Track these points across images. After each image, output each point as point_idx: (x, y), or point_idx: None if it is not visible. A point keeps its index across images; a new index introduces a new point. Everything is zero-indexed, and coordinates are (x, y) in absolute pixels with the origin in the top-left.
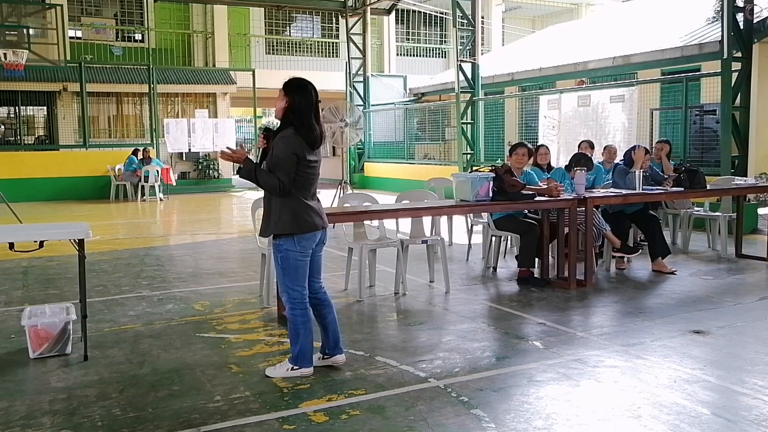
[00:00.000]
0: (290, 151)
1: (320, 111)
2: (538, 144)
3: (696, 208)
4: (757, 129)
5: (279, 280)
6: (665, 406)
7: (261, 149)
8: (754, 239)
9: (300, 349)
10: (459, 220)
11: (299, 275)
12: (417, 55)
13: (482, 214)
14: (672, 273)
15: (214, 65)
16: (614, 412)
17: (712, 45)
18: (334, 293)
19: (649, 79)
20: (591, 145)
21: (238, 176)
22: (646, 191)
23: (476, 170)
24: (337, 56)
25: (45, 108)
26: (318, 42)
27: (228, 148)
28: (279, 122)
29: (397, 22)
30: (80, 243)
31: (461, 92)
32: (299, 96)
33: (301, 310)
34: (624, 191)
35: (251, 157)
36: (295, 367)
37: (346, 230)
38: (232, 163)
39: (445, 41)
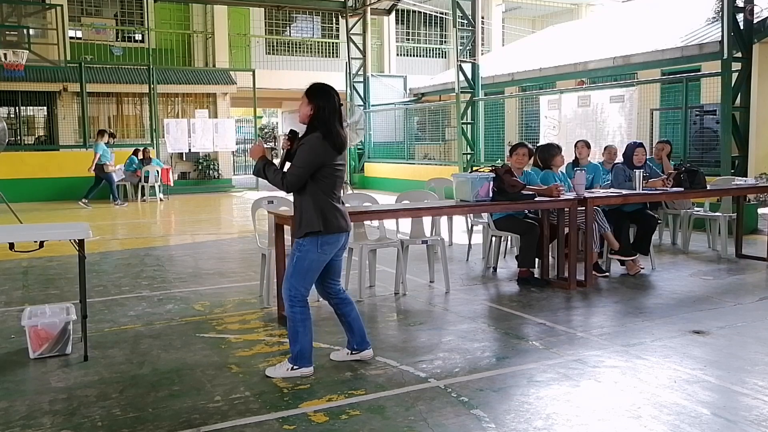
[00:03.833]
0: (312, 157)
1: (342, 114)
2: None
3: (696, 209)
4: (757, 129)
5: (286, 275)
6: (665, 407)
7: (285, 150)
8: (754, 239)
9: (300, 348)
10: (459, 220)
11: (308, 277)
12: (417, 55)
13: (482, 214)
14: (638, 271)
15: (214, 65)
16: (614, 412)
17: (712, 45)
18: None
19: (649, 79)
20: (587, 145)
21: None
22: (646, 191)
23: (476, 170)
24: (337, 56)
25: (45, 108)
26: (318, 42)
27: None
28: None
29: (397, 22)
30: (80, 243)
31: (461, 92)
32: (324, 102)
33: (300, 308)
34: (624, 191)
35: (276, 159)
36: (294, 367)
37: None
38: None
39: (445, 41)
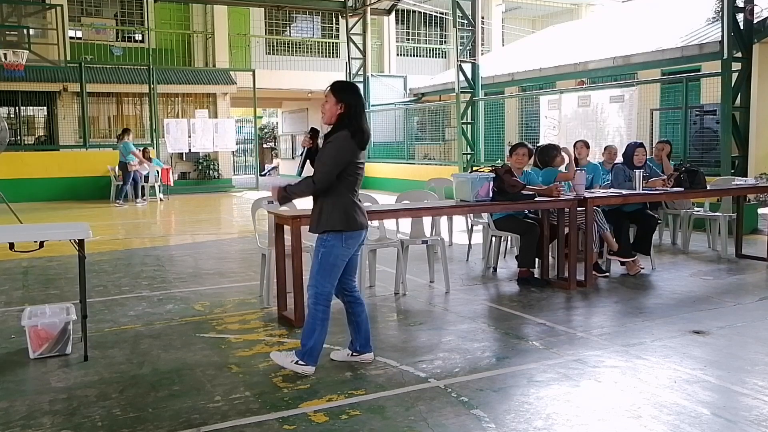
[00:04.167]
0: (341, 155)
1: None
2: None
3: (696, 209)
4: (757, 129)
5: (312, 273)
6: (665, 406)
7: (306, 148)
8: (754, 239)
9: (312, 346)
10: (459, 220)
11: (334, 273)
12: (417, 55)
13: (482, 214)
14: (638, 271)
15: (214, 65)
16: (614, 412)
17: (712, 45)
18: None
19: (649, 79)
20: (586, 145)
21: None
22: (646, 191)
23: (476, 170)
24: (337, 56)
25: (45, 108)
26: (318, 42)
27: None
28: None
29: (397, 22)
30: (80, 243)
31: (461, 92)
32: (355, 100)
33: (324, 307)
34: (624, 191)
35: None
36: (300, 362)
37: None
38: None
39: (445, 41)
